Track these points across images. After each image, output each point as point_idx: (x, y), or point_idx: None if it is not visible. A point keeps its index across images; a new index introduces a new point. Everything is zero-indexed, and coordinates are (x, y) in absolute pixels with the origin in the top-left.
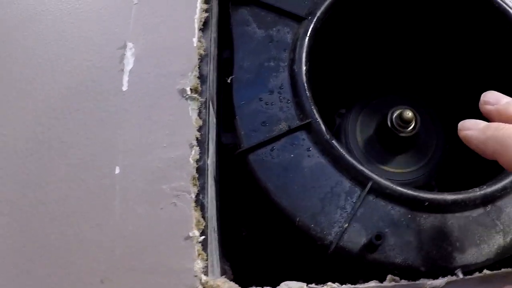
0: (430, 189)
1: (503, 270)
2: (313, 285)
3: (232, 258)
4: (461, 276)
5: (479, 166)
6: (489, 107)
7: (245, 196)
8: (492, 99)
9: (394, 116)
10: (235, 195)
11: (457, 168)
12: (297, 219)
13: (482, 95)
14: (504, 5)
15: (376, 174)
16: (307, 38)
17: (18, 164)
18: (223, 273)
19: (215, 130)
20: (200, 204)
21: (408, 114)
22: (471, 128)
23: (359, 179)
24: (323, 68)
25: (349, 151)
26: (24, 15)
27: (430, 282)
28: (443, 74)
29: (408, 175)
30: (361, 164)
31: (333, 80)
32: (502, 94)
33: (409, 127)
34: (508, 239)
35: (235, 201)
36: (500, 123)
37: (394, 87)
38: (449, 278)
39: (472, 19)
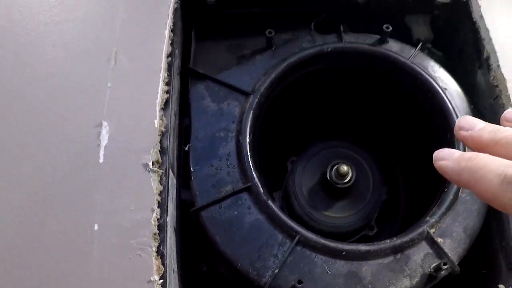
0: (370, 229)
1: None
2: None
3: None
4: None
5: (414, 206)
6: (463, 133)
7: (202, 238)
8: (467, 124)
9: (332, 170)
10: (195, 239)
11: (394, 208)
12: (239, 264)
13: (457, 120)
14: (426, 75)
15: (303, 228)
16: (251, 112)
17: (16, 215)
18: None
19: (175, 189)
20: (160, 254)
21: (344, 168)
22: (445, 158)
23: (289, 233)
24: (270, 126)
25: (296, 198)
26: (11, 94)
27: None
28: (379, 127)
29: (348, 218)
30: (292, 221)
31: (282, 134)
32: (476, 119)
33: (345, 180)
34: (414, 282)
35: (196, 241)
36: (473, 153)
37: (337, 139)
38: None
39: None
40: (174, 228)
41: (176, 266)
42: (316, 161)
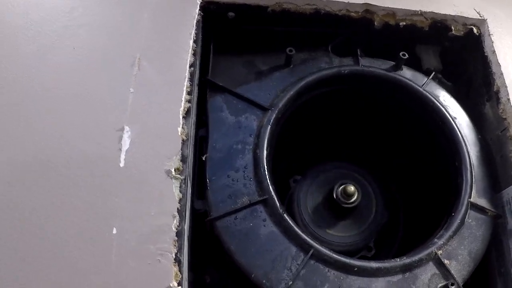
0: (369, 250)
1: None
2: None
3: None
4: None
5: (413, 231)
6: None
7: (210, 251)
8: None
9: (339, 189)
10: (202, 249)
11: (393, 232)
12: (252, 275)
13: None
14: (437, 103)
15: (317, 243)
16: (269, 127)
17: (35, 216)
18: None
19: (190, 198)
20: (178, 261)
21: (351, 188)
22: None
23: (303, 247)
24: (281, 143)
25: (300, 215)
26: (33, 95)
27: None
28: (384, 152)
29: (350, 238)
30: (306, 234)
31: (291, 151)
32: None
33: (351, 199)
34: None
35: (202, 253)
36: None
37: (343, 160)
38: None
39: (407, 112)
40: (188, 236)
41: (187, 275)
42: (321, 180)
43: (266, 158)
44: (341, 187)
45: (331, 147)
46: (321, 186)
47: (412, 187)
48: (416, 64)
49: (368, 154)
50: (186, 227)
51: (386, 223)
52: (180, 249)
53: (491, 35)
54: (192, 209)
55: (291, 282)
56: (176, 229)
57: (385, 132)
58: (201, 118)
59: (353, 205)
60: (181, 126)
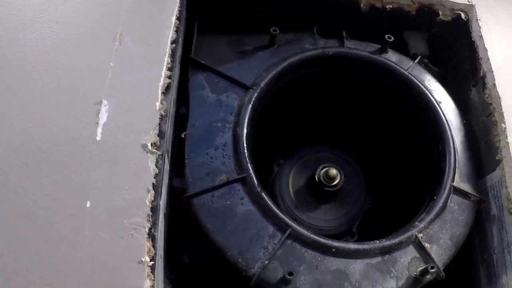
0: (351, 236)
1: None
2: None
3: (175, 281)
4: None
5: (396, 218)
6: None
7: (188, 230)
8: None
9: (321, 172)
10: (180, 229)
11: (376, 218)
12: (228, 254)
13: None
14: (422, 87)
15: (295, 223)
16: (250, 105)
17: (8, 187)
18: None
19: (167, 175)
20: (151, 236)
21: (333, 171)
22: None
23: (281, 226)
24: (264, 124)
25: (282, 199)
26: (14, 67)
27: None
28: (367, 136)
29: (332, 222)
30: (284, 214)
31: (273, 134)
32: None
33: (333, 182)
34: (400, 283)
35: (180, 233)
36: None
37: (326, 144)
38: None
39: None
40: (164, 213)
41: (163, 253)
42: (304, 164)
43: (246, 136)
44: (323, 170)
45: (314, 131)
46: (303, 170)
47: (396, 172)
48: (403, 50)
49: (351, 138)
50: (162, 203)
51: (369, 209)
52: (154, 224)
53: (478, 21)
54: (170, 187)
55: (267, 262)
56: (151, 204)
57: (369, 116)
58: (183, 96)
59: (335, 188)
60: (159, 101)
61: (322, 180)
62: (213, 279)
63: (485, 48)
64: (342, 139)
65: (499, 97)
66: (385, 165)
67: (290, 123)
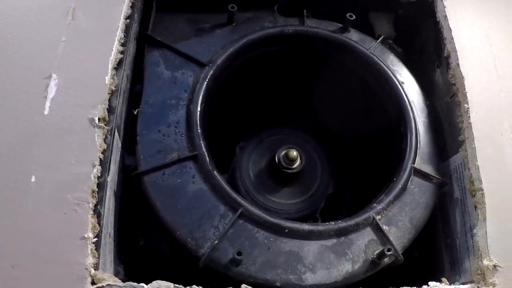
0: (315, 221)
1: None
2: (179, 285)
3: (130, 263)
4: None
5: (360, 203)
6: None
7: (142, 210)
8: None
9: (281, 154)
10: (135, 211)
11: (340, 203)
12: (178, 233)
13: None
14: (385, 67)
15: (247, 202)
16: (205, 83)
17: None
18: (116, 273)
19: (119, 153)
20: (97, 212)
21: (293, 153)
22: None
23: (232, 205)
24: (223, 105)
25: (242, 181)
26: None
27: None
28: (330, 118)
29: (293, 206)
30: (236, 193)
31: (233, 115)
32: None
33: (294, 165)
34: (356, 266)
35: (135, 215)
36: None
37: (288, 127)
38: None
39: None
40: (114, 192)
41: (113, 231)
42: (266, 146)
43: (199, 114)
44: (283, 152)
45: (276, 112)
46: (264, 152)
47: (360, 155)
48: (370, 33)
49: (313, 119)
50: (111, 180)
51: (333, 194)
52: (100, 201)
53: (443, 0)
54: (123, 165)
55: (216, 242)
56: (97, 179)
57: (332, 97)
58: (138, 74)
59: (295, 170)
60: (109, 75)
61: (282, 162)
62: (168, 261)
63: (450, 28)
64: (304, 120)
65: (463, 77)
66: (349, 148)
67: (251, 104)
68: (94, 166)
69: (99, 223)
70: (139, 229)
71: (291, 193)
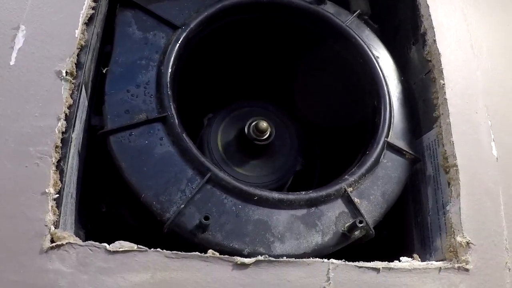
0: None
1: (304, 260)
2: (142, 246)
3: (91, 229)
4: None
5: (330, 178)
6: None
7: (107, 174)
8: None
9: (251, 125)
10: (99, 174)
11: (308, 180)
12: (142, 196)
13: None
14: (360, 40)
15: (216, 167)
16: (177, 45)
17: None
18: (77, 236)
19: (85, 112)
20: (59, 169)
21: (263, 124)
22: None
23: (200, 169)
24: (193, 73)
25: (210, 153)
26: None
27: (241, 259)
28: (302, 91)
29: (260, 179)
30: (204, 158)
31: (203, 86)
32: None
33: (263, 136)
34: (326, 238)
35: (99, 179)
36: None
37: (259, 99)
38: (257, 258)
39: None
40: (78, 151)
41: (75, 193)
42: (235, 118)
43: (170, 76)
44: (253, 123)
45: (247, 84)
46: (233, 124)
47: (332, 131)
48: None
49: (285, 92)
50: (76, 137)
51: (301, 171)
52: (64, 158)
53: None
54: (89, 125)
55: (183, 206)
56: (61, 135)
57: (305, 70)
58: (109, 35)
59: (265, 142)
60: (79, 30)
61: (252, 133)
62: (130, 228)
63: (427, 4)
64: (276, 93)
65: (439, 53)
66: (321, 122)
67: (222, 75)
68: (59, 119)
69: (61, 180)
70: (101, 195)
71: (259, 167)
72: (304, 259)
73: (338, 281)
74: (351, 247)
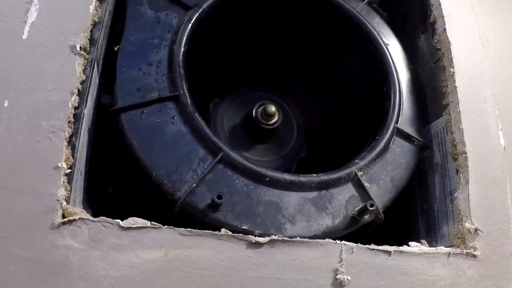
0: None
1: (318, 240)
2: (156, 223)
3: (97, 210)
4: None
5: (336, 163)
6: None
7: (114, 155)
8: None
9: (259, 109)
10: (106, 155)
11: (312, 167)
12: (154, 174)
13: None
14: (370, 27)
15: (228, 147)
16: (190, 25)
17: None
18: None
19: (96, 89)
20: (71, 144)
21: (272, 108)
22: None
23: (212, 149)
24: (202, 57)
25: (216, 136)
26: None
27: (256, 238)
28: (310, 77)
29: (266, 163)
30: (216, 137)
31: (211, 70)
32: None
33: (271, 120)
34: (336, 222)
35: (106, 160)
36: None
37: (265, 84)
38: (271, 237)
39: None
40: (88, 128)
41: (84, 171)
42: (241, 103)
43: (182, 56)
44: (261, 107)
45: (254, 69)
46: (240, 108)
47: (338, 116)
48: None
49: (293, 78)
50: (87, 114)
51: (305, 158)
52: (76, 133)
53: None
54: (98, 103)
55: (194, 185)
56: (74, 110)
57: (313, 56)
58: (120, 13)
59: (273, 126)
60: (93, 5)
61: (260, 117)
62: (136, 209)
63: None
64: (283, 78)
65: (449, 42)
66: (327, 109)
67: (230, 58)
68: (72, 94)
69: (73, 155)
70: (109, 176)
71: (265, 150)
72: (317, 240)
73: (351, 263)
74: (359, 232)
